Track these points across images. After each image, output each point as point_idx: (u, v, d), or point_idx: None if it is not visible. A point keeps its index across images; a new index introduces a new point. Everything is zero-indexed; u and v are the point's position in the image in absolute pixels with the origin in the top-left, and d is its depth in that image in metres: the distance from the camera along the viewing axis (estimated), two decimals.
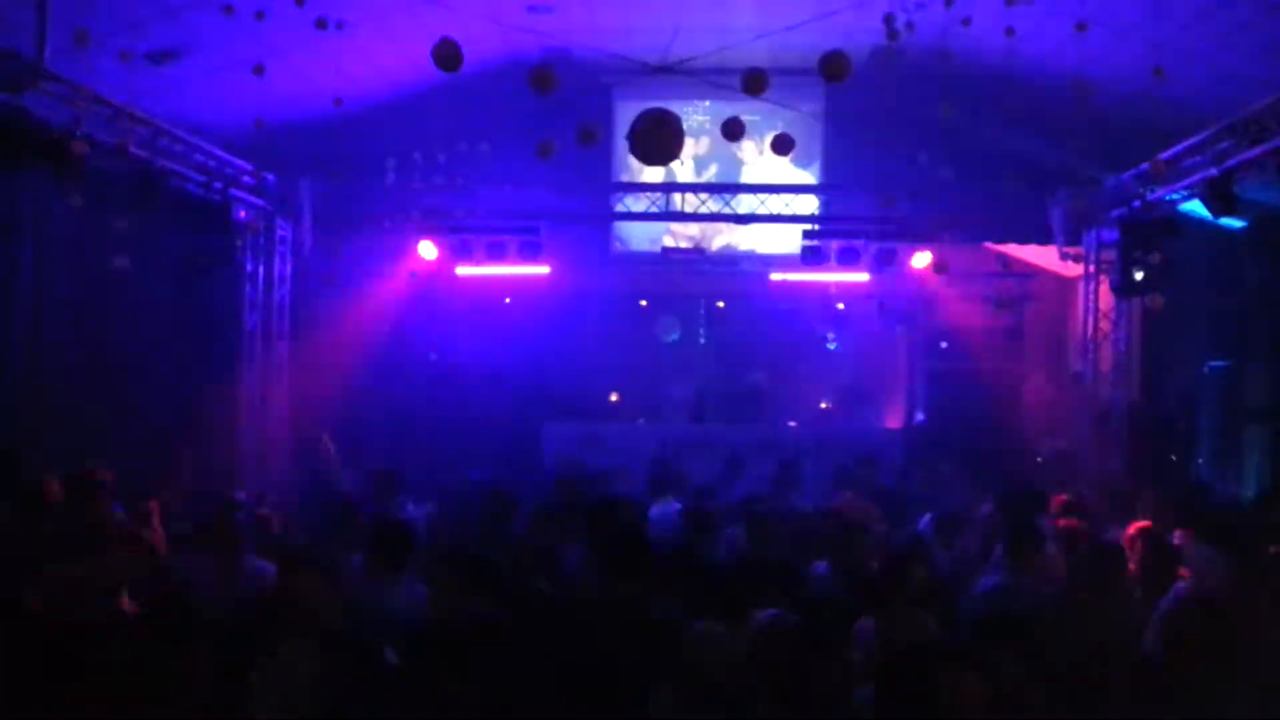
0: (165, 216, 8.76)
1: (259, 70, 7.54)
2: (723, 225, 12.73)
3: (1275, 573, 5.63)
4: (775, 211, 11.98)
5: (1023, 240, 12.07)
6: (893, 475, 11.03)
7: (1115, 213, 10.57)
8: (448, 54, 6.19)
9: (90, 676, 3.69)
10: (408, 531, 5.51)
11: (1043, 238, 11.63)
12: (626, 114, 9.14)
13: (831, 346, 13.90)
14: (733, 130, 7.56)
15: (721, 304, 14.59)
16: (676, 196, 12.05)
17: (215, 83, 9.11)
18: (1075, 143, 11.21)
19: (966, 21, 7.30)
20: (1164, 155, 9.14)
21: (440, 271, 12.21)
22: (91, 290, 9.61)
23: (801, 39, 9.20)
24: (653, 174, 12.25)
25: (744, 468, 9.58)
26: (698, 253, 12.81)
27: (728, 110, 8.86)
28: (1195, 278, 10.45)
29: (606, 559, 4.75)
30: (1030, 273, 12.79)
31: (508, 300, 13.35)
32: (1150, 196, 9.83)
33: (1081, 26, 7.35)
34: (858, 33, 8.51)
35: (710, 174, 13.05)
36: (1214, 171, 8.37)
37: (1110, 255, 10.72)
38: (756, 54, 8.96)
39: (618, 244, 13.42)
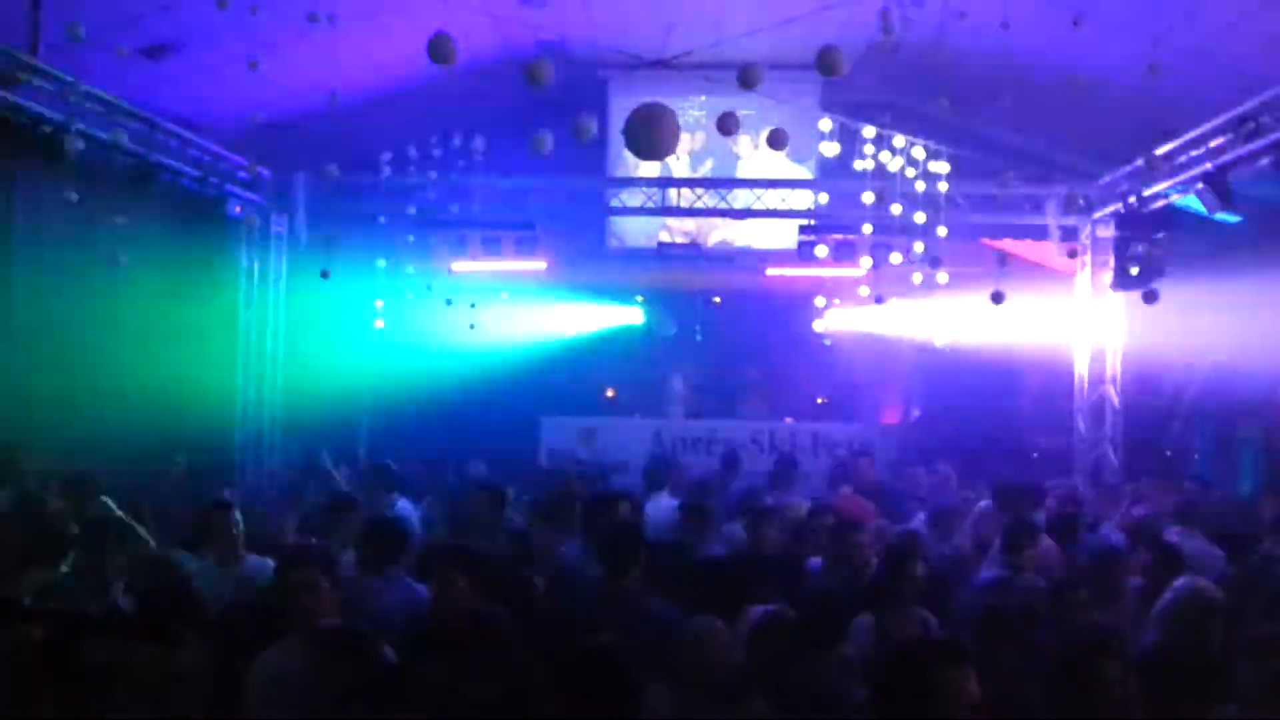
0: (160, 211, 8.74)
1: (253, 65, 7.51)
2: (718, 220, 12.73)
3: (1270, 568, 5.63)
4: (771, 207, 11.97)
5: (1019, 235, 12.09)
6: (889, 471, 11.03)
7: (1112, 208, 10.58)
8: (442, 48, 6.16)
9: (87, 674, 3.68)
10: (400, 528, 5.50)
11: (1039, 233, 11.65)
12: (622, 109, 9.12)
13: (828, 342, 13.91)
14: (728, 125, 7.55)
15: (718, 299, 14.59)
16: (672, 192, 12.03)
17: (209, 77, 9.09)
18: (1072, 138, 11.23)
19: (963, 16, 7.29)
20: (1160, 150, 9.15)
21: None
22: (86, 285, 9.58)
23: (797, 34, 9.20)
24: (648, 169, 12.22)
25: (740, 465, 9.58)
26: (694, 248, 12.80)
27: (723, 105, 8.82)
28: (1191, 273, 10.45)
29: (603, 554, 4.74)
30: (1027, 268, 12.81)
31: (504, 295, 13.34)
32: (1146, 191, 9.84)
33: (1078, 21, 7.34)
34: (854, 27, 8.51)
35: (706, 169, 13.03)
36: (1210, 166, 8.38)
37: (1107, 250, 10.74)
38: (752, 49, 8.94)
39: (614, 239, 13.40)
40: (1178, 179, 9.21)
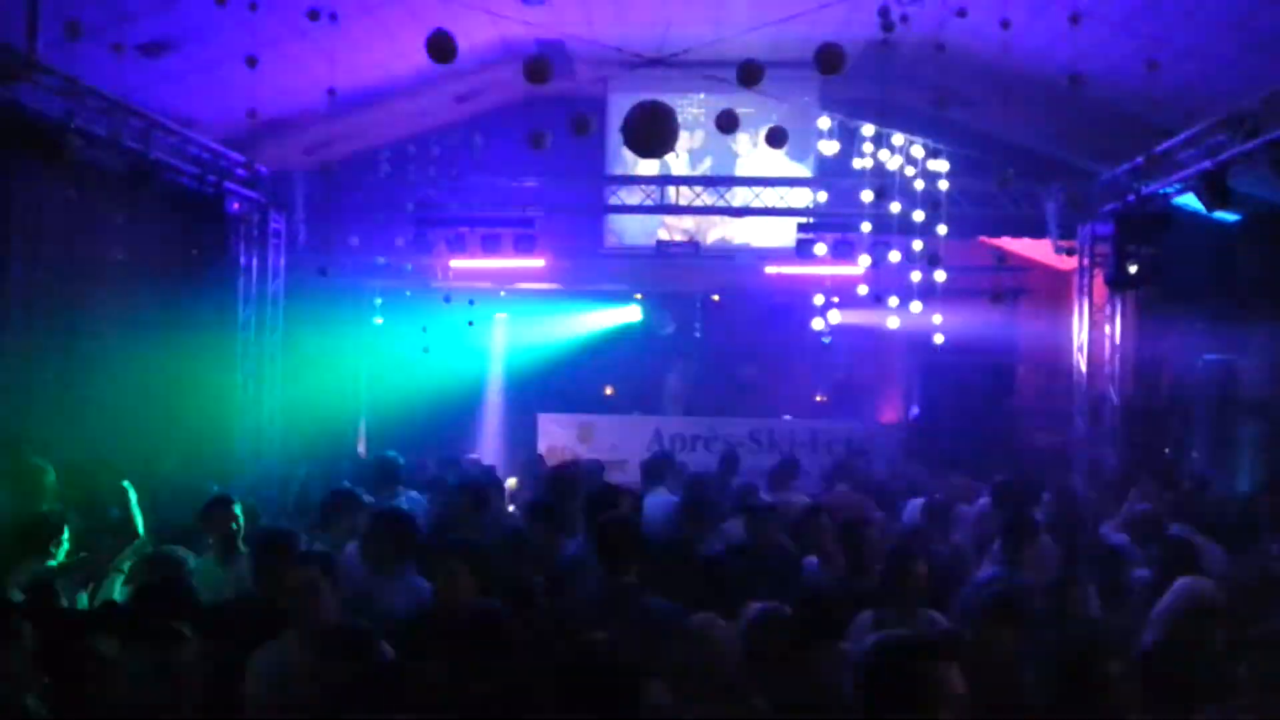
0: (158, 209, 8.72)
1: (252, 62, 7.50)
2: (717, 218, 12.72)
3: (1272, 566, 5.64)
4: (770, 205, 11.96)
5: (1017, 234, 12.10)
6: (888, 469, 11.04)
7: (1110, 206, 10.58)
8: (442, 45, 6.16)
9: (86, 667, 3.68)
10: (407, 522, 5.45)
11: (1037, 231, 11.65)
12: (621, 106, 9.10)
13: (827, 340, 13.91)
14: (727, 123, 7.55)
15: (716, 297, 14.58)
16: (671, 190, 12.02)
17: (208, 75, 9.06)
18: (1070, 136, 11.23)
19: (963, 14, 7.27)
20: (1158, 149, 9.14)
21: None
22: (84, 282, 9.56)
23: (796, 32, 9.20)
24: (647, 167, 12.20)
25: (739, 463, 9.57)
26: (692, 246, 12.79)
27: (722, 103, 8.81)
28: (1189, 271, 10.45)
29: (603, 551, 4.74)
30: (1025, 266, 12.82)
31: (502, 293, 13.35)
32: (1145, 190, 9.83)
33: (1076, 19, 7.33)
34: (853, 25, 8.50)
35: (705, 167, 13.02)
36: (1208, 165, 8.37)
37: (1105, 249, 10.74)
38: (752, 47, 8.94)
39: (612, 237, 13.40)
40: (1176, 177, 9.20)
